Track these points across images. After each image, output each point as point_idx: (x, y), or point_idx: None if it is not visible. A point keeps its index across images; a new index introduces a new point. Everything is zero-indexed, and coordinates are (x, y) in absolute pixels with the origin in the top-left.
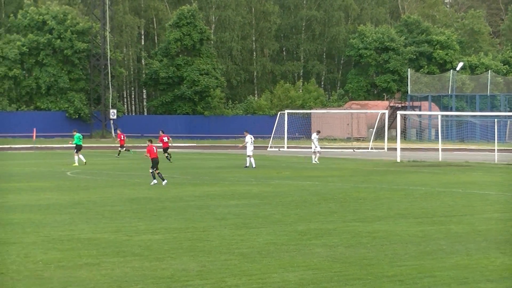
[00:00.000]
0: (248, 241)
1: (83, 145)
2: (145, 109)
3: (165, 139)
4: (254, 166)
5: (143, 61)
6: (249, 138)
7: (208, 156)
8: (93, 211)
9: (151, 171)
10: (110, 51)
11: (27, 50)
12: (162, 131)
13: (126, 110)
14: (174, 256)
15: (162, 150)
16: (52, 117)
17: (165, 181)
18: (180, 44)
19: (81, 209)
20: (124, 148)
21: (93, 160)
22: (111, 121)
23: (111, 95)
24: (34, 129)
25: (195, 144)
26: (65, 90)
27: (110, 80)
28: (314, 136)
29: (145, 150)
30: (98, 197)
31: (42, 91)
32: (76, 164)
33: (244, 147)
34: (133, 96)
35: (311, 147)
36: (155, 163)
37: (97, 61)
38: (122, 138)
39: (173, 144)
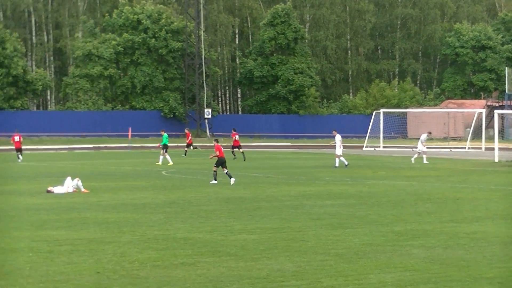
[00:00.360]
0: (344, 242)
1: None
2: (239, 108)
3: (237, 137)
4: (346, 163)
5: (237, 60)
6: (336, 138)
7: (303, 155)
8: (188, 210)
9: (214, 170)
10: (205, 50)
11: (122, 49)
12: (234, 129)
13: (220, 110)
14: (269, 256)
15: (231, 148)
16: (147, 116)
17: (233, 179)
18: (275, 43)
19: (177, 208)
20: (192, 147)
21: (188, 160)
22: (206, 121)
23: (205, 94)
24: (130, 129)
25: (289, 144)
26: (160, 89)
27: (204, 79)
28: (424, 136)
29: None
30: (193, 197)
31: (137, 90)
32: (171, 163)
33: (333, 146)
34: (227, 95)
35: (416, 147)
36: (221, 162)
37: (192, 60)
38: (190, 137)
39: (266, 144)
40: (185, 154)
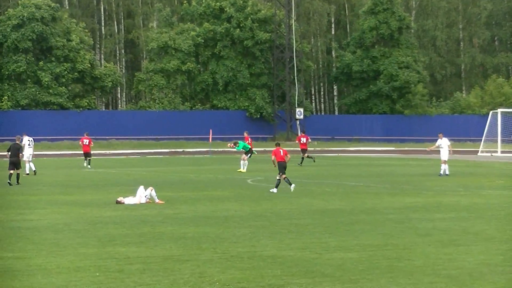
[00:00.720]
0: (456, 261)
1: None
2: (335, 108)
3: (303, 139)
4: (447, 173)
5: (333, 53)
6: (442, 141)
7: (409, 161)
8: (277, 224)
9: (278, 177)
10: (296, 41)
11: (202, 41)
12: (303, 131)
13: (314, 109)
14: (370, 278)
15: (300, 151)
16: (231, 117)
17: (293, 185)
18: (376, 33)
19: (264, 222)
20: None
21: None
22: (297, 122)
23: (297, 92)
24: (210, 131)
25: (393, 148)
26: (245, 86)
27: (296, 74)
28: None
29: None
30: (283, 209)
31: (219, 87)
32: (244, 170)
33: (437, 151)
34: (322, 93)
35: None
36: (281, 167)
37: (281, 53)
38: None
39: (366, 148)
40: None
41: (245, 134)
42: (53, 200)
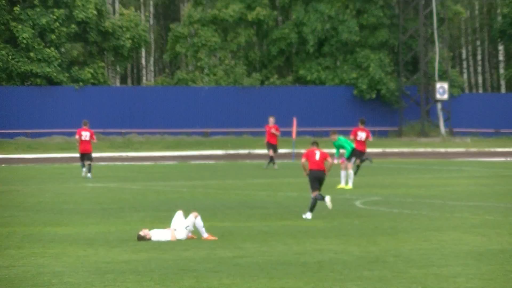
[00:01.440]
0: None
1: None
2: (502, 82)
3: (362, 135)
4: None
5: None
6: None
7: None
8: (404, 275)
9: (312, 195)
10: None
11: None
12: (361, 121)
13: (467, 84)
14: None
15: (356, 154)
16: (328, 97)
17: (328, 198)
18: None
19: (383, 270)
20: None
21: (404, 179)
22: (439, 105)
23: (437, 56)
24: (294, 120)
25: None
26: (351, 46)
27: (435, 27)
28: None
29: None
30: (413, 249)
31: (307, 48)
32: (350, 185)
33: None
34: (479, 57)
35: None
36: (314, 178)
37: None
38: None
39: None
40: (270, 164)
41: (271, 123)
42: (35, 234)
